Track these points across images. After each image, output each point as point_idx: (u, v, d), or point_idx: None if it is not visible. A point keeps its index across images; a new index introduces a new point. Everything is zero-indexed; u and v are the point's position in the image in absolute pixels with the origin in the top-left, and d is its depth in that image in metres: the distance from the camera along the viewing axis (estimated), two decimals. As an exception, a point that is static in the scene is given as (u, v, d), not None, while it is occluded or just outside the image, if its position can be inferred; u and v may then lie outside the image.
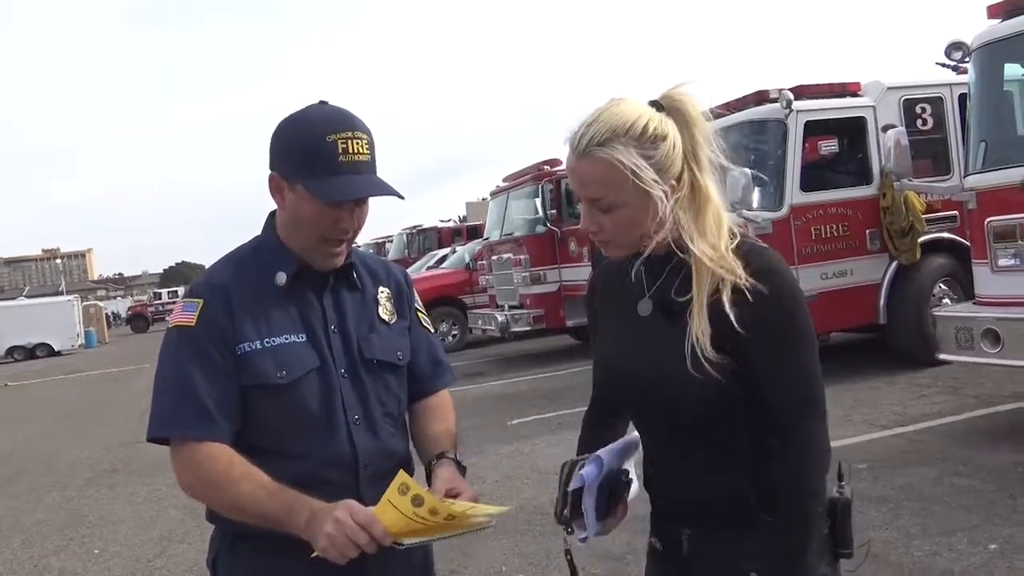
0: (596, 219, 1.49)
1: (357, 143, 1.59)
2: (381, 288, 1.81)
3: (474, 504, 1.57)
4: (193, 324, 1.60)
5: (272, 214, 1.75)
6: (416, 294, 1.92)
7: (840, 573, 1.57)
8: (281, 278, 1.67)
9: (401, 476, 1.44)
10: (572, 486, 1.48)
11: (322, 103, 1.65)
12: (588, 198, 1.48)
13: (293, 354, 1.63)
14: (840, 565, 1.56)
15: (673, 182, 1.46)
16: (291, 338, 1.64)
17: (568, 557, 1.58)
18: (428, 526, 1.45)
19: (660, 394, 1.50)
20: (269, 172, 1.66)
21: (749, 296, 1.40)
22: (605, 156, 1.42)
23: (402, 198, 1.68)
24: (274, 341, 1.62)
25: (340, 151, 1.57)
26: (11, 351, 32.28)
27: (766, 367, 1.44)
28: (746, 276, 1.41)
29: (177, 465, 1.58)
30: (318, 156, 1.57)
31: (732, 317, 1.40)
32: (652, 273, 1.55)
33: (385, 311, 1.79)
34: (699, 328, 1.41)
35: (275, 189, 1.66)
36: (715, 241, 1.45)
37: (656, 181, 1.42)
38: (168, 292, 56.79)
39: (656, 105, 1.48)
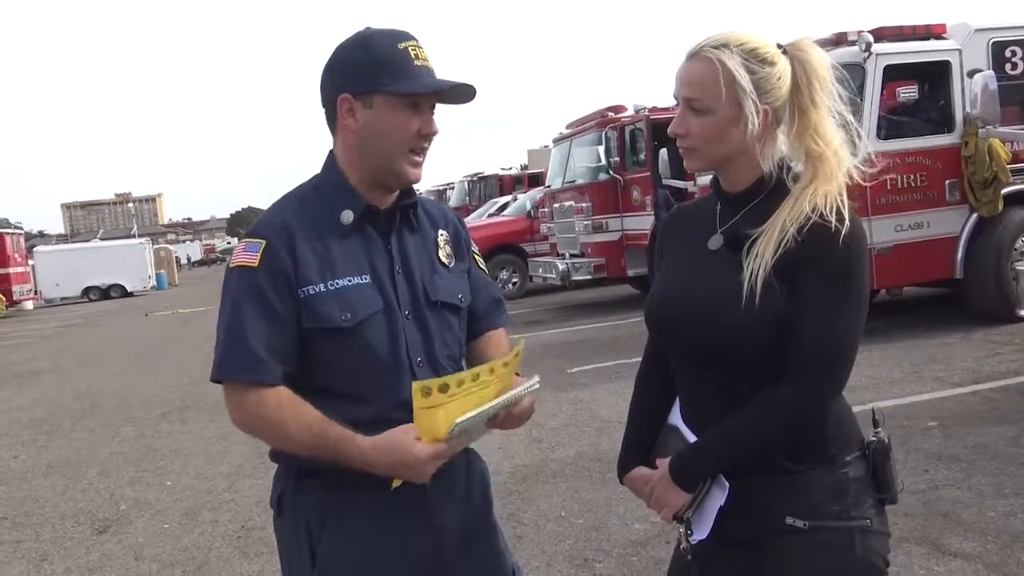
0: (685, 122, 1.52)
1: (422, 51, 1.62)
2: (440, 231, 1.78)
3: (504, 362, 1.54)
4: (255, 265, 1.58)
5: (331, 153, 1.71)
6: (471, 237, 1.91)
7: (886, 519, 1.53)
8: (347, 216, 1.64)
9: (415, 386, 1.43)
10: (713, 500, 1.50)
11: (368, 29, 1.66)
12: (685, 98, 1.51)
13: (358, 296, 1.60)
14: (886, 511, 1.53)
15: (767, 108, 1.48)
16: (355, 280, 1.61)
17: (688, 557, 1.55)
18: (470, 398, 1.45)
19: (708, 323, 1.48)
20: (337, 97, 1.62)
21: (815, 238, 1.41)
22: (711, 55, 1.47)
23: (475, 92, 1.65)
24: (338, 283, 1.59)
25: (413, 56, 1.60)
26: (87, 291, 33.57)
27: (801, 314, 1.41)
28: (820, 219, 1.42)
29: (229, 406, 1.61)
30: (394, 62, 1.59)
31: (793, 253, 1.41)
32: (730, 211, 1.56)
33: (444, 254, 1.77)
34: (762, 258, 1.42)
35: (346, 112, 1.62)
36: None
37: (750, 92, 1.45)
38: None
39: (780, 47, 1.52)
